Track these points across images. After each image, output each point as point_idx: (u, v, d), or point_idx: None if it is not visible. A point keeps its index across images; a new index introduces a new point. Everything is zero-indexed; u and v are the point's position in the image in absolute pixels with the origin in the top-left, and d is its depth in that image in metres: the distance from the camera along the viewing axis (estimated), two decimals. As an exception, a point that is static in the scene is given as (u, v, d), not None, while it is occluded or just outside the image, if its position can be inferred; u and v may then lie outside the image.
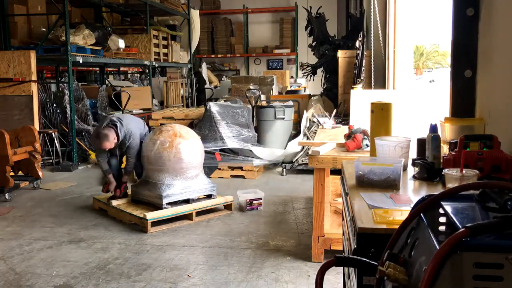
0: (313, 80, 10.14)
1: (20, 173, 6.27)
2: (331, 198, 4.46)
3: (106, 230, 4.63)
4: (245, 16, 16.68)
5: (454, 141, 2.21)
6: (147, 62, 10.28)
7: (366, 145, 3.93)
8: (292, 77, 15.79)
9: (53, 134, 7.69)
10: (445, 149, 2.45)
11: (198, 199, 5.05)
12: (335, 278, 3.33)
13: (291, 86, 13.45)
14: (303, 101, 8.92)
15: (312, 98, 8.93)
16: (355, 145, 3.86)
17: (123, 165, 5.36)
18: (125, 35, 10.31)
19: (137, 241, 4.32)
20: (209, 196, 5.12)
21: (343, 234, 2.48)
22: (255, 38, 16.81)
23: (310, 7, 9.28)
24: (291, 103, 7.94)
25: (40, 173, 6.19)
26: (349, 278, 1.95)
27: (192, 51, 13.62)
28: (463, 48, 2.69)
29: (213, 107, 7.13)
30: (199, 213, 4.95)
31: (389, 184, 2.11)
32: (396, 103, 2.78)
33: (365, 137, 3.88)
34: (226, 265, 3.74)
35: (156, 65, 11.31)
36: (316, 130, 6.44)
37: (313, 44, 9.04)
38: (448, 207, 1.15)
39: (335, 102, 7.90)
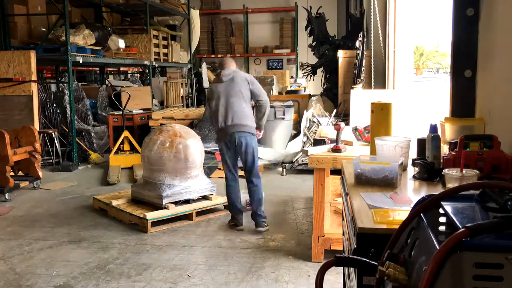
0: (313, 80, 10.13)
1: (20, 173, 6.27)
2: (331, 198, 4.46)
3: (106, 230, 4.63)
4: (245, 16, 16.68)
5: (454, 141, 2.21)
6: (147, 62, 10.28)
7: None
8: (292, 77, 15.78)
9: (53, 134, 7.69)
10: (445, 149, 2.45)
11: (198, 199, 5.05)
12: (335, 278, 3.33)
13: (291, 86, 13.45)
14: (303, 101, 8.92)
15: (312, 98, 8.93)
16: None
17: None
18: (125, 35, 10.31)
19: (137, 241, 4.32)
20: (209, 196, 5.11)
21: (343, 234, 2.48)
22: (255, 38, 16.80)
23: (310, 7, 9.28)
24: (291, 103, 7.94)
25: (40, 173, 6.19)
26: (349, 278, 1.95)
27: (192, 51, 13.62)
28: (463, 48, 2.69)
29: (213, 107, 7.11)
30: (199, 213, 4.95)
31: (387, 183, 2.11)
32: (396, 103, 2.78)
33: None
34: (226, 265, 3.74)
35: (156, 65, 11.31)
36: (316, 130, 6.45)
37: (313, 44, 9.04)
38: (448, 207, 1.15)
39: (335, 102, 7.89)
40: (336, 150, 3.55)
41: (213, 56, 16.89)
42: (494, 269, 0.91)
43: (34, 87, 7.30)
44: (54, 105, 8.44)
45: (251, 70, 16.66)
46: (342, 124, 3.80)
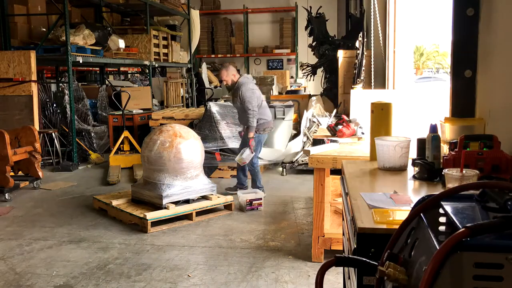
0: (313, 80, 10.14)
1: (20, 173, 6.27)
2: (331, 198, 4.46)
3: (106, 230, 4.63)
4: (245, 16, 16.68)
5: (454, 141, 2.21)
6: (147, 62, 10.28)
7: (362, 133, 3.99)
8: (292, 77, 15.78)
9: (53, 134, 7.69)
10: (445, 149, 2.45)
11: (198, 199, 5.05)
12: (335, 278, 3.33)
13: (291, 86, 13.46)
14: (303, 101, 8.92)
15: (312, 98, 8.92)
16: (350, 133, 3.92)
17: None
18: (125, 35, 10.31)
19: (137, 241, 4.32)
20: (209, 196, 5.12)
21: (343, 234, 2.48)
22: (255, 38, 16.80)
23: (310, 7, 9.28)
24: (291, 103, 7.94)
25: (40, 173, 6.19)
26: (349, 278, 1.95)
27: (192, 51, 13.62)
28: (463, 48, 2.69)
29: (213, 107, 7.13)
30: (199, 213, 4.95)
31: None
32: (396, 103, 2.78)
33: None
34: (226, 265, 3.74)
35: (156, 65, 11.31)
36: (316, 130, 6.45)
37: (313, 44, 9.03)
38: (448, 207, 1.15)
39: (335, 102, 7.89)
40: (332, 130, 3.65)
41: (213, 56, 16.89)
42: (494, 269, 0.91)
43: (34, 87, 7.30)
44: (54, 105, 8.44)
45: (251, 70, 16.66)
46: (346, 117, 3.85)
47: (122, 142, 7.66)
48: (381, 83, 6.53)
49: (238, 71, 6.31)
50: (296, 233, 4.46)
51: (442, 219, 1.15)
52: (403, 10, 6.18)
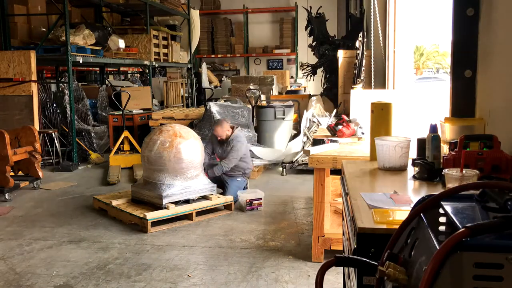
0: (313, 80, 10.15)
1: (20, 173, 6.27)
2: (331, 198, 4.46)
3: (106, 230, 4.63)
4: (245, 16, 16.69)
5: (454, 141, 2.21)
6: (147, 62, 10.28)
7: (362, 133, 3.99)
8: (292, 77, 15.79)
9: (53, 134, 7.69)
10: (445, 149, 2.45)
11: (198, 199, 5.05)
12: (335, 278, 3.33)
13: (291, 86, 13.46)
14: (303, 101, 8.92)
15: (312, 98, 8.92)
16: (350, 133, 3.92)
17: None
18: (125, 35, 10.31)
19: (137, 241, 4.32)
20: (209, 196, 5.11)
21: (343, 234, 2.48)
22: (255, 38, 16.81)
23: (310, 7, 9.28)
24: (291, 103, 7.95)
25: (40, 173, 6.19)
26: (349, 278, 1.95)
27: (192, 51, 13.63)
28: (463, 48, 2.69)
29: (213, 107, 7.13)
30: (199, 213, 4.95)
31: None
32: (396, 103, 2.78)
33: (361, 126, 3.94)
34: (226, 265, 3.74)
35: (156, 65, 11.31)
36: (316, 130, 6.45)
37: (313, 44, 9.03)
38: (448, 207, 1.15)
39: (335, 102, 7.89)
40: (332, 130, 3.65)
41: (213, 56, 16.90)
42: (494, 269, 0.91)
43: (34, 87, 7.30)
44: (54, 105, 8.44)
45: (251, 70, 16.67)
46: (346, 117, 3.85)
47: (122, 142, 7.66)
48: (381, 83, 6.53)
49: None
50: (296, 233, 4.46)
51: (442, 219, 1.15)
52: (403, 10, 6.18)
